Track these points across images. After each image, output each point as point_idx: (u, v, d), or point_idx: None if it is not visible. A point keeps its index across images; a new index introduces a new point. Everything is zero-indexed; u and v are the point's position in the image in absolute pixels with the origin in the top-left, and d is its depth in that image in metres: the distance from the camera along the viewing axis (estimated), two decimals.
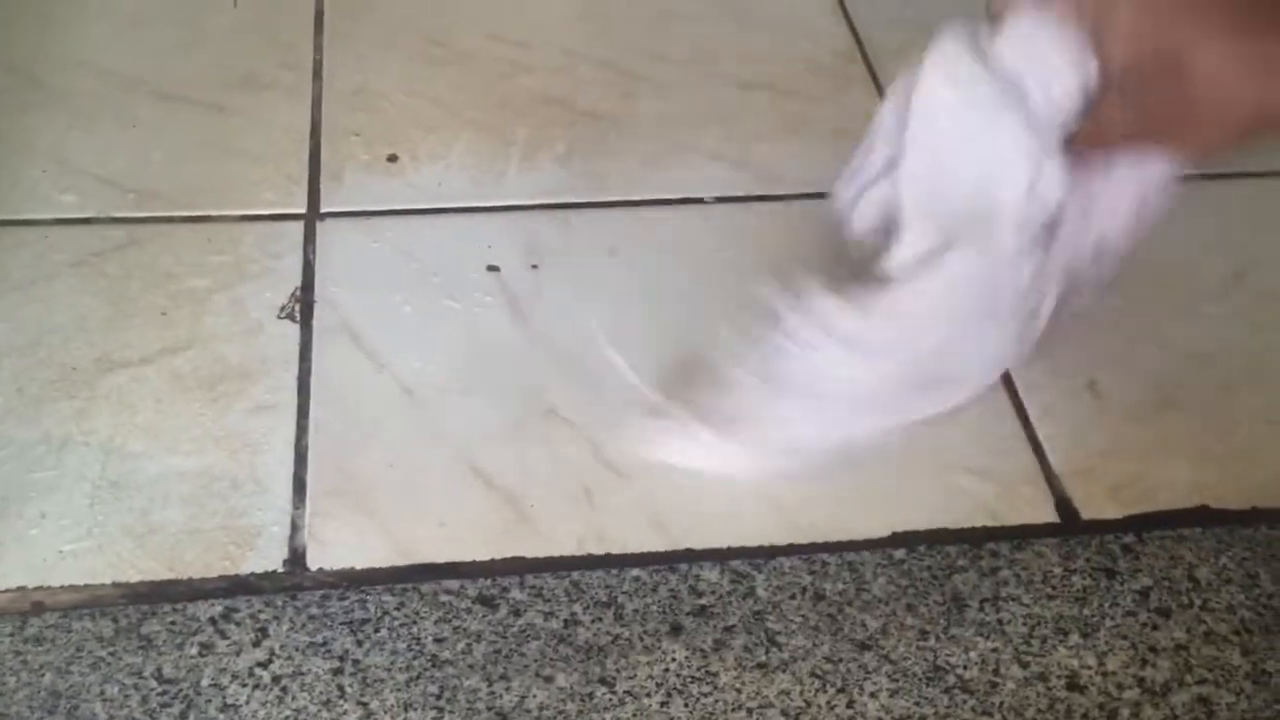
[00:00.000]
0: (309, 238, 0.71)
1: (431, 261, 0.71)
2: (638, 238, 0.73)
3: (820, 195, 0.76)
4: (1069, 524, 0.61)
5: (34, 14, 0.83)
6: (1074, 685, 0.55)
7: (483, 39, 0.85)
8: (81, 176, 0.73)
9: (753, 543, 0.59)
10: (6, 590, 0.55)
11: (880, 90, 0.84)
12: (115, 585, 0.55)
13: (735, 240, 0.73)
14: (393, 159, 0.76)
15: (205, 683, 0.52)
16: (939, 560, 0.59)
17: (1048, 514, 0.61)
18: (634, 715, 0.52)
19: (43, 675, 0.52)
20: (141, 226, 0.71)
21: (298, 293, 0.68)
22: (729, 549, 0.59)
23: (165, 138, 0.76)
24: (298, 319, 0.67)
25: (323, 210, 0.73)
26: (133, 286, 0.68)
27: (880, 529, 0.60)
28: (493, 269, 0.70)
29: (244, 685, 0.52)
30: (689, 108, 0.81)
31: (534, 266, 0.71)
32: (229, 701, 0.52)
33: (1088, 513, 0.61)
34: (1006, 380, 0.67)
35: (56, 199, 0.72)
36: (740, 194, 0.76)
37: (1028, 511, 0.61)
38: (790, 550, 0.59)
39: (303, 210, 0.73)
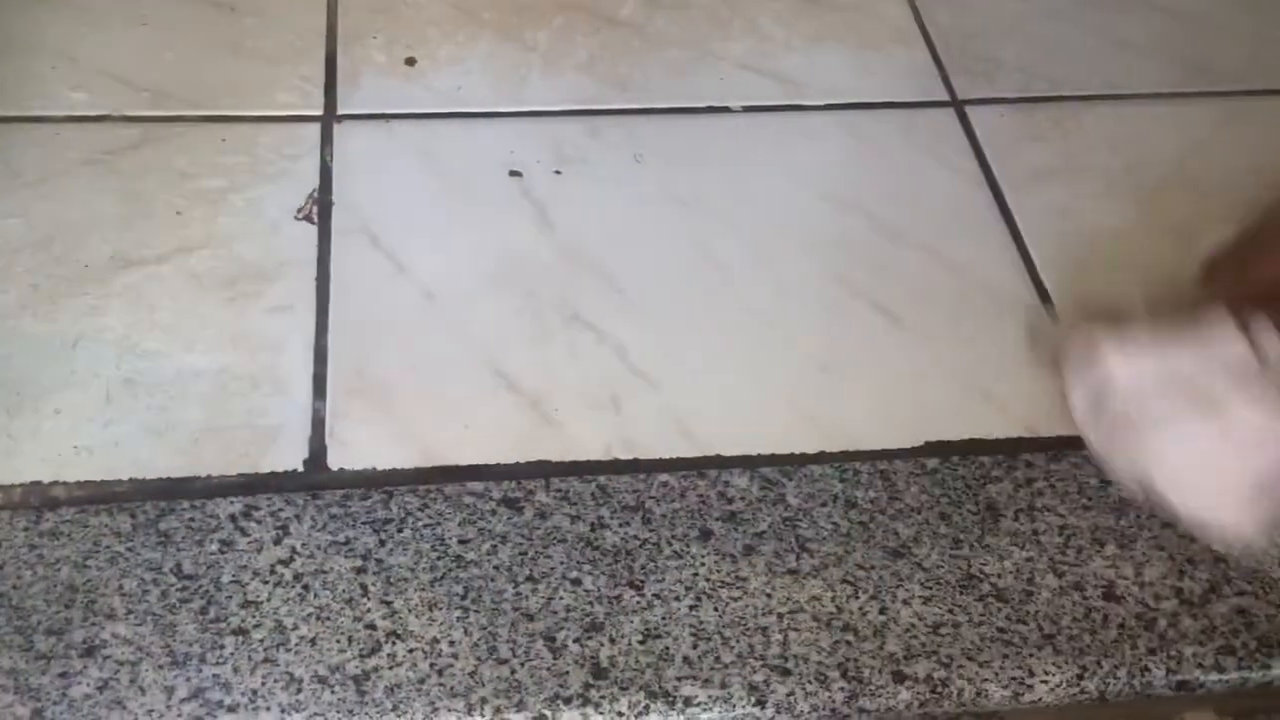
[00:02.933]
0: (326, 140, 0.69)
1: (452, 166, 0.69)
2: (664, 146, 0.71)
3: (847, 105, 0.75)
4: None
5: None
6: (1110, 595, 0.54)
7: None
8: (92, 74, 0.71)
9: (783, 450, 0.58)
10: (21, 484, 0.53)
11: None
12: (132, 481, 0.54)
13: (762, 148, 0.71)
14: (410, 62, 0.74)
15: (226, 579, 0.51)
16: (973, 470, 0.58)
17: None
18: (663, 618, 0.51)
19: (59, 569, 0.51)
20: (155, 125, 0.69)
21: (315, 194, 0.66)
22: (759, 456, 0.57)
23: (177, 36, 0.74)
24: (315, 221, 0.65)
25: (340, 112, 0.71)
26: (147, 185, 0.66)
27: (913, 439, 0.59)
28: (515, 174, 0.69)
29: (265, 582, 0.51)
30: (713, 14, 0.79)
31: (557, 172, 0.69)
32: (250, 598, 0.50)
33: None
34: (1044, 297, 0.65)
35: (67, 96, 0.70)
36: (768, 103, 0.74)
37: (1064, 424, 0.59)
38: (821, 458, 0.57)
39: (319, 112, 0.71)
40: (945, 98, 0.76)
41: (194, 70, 0.72)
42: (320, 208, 0.66)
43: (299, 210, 0.65)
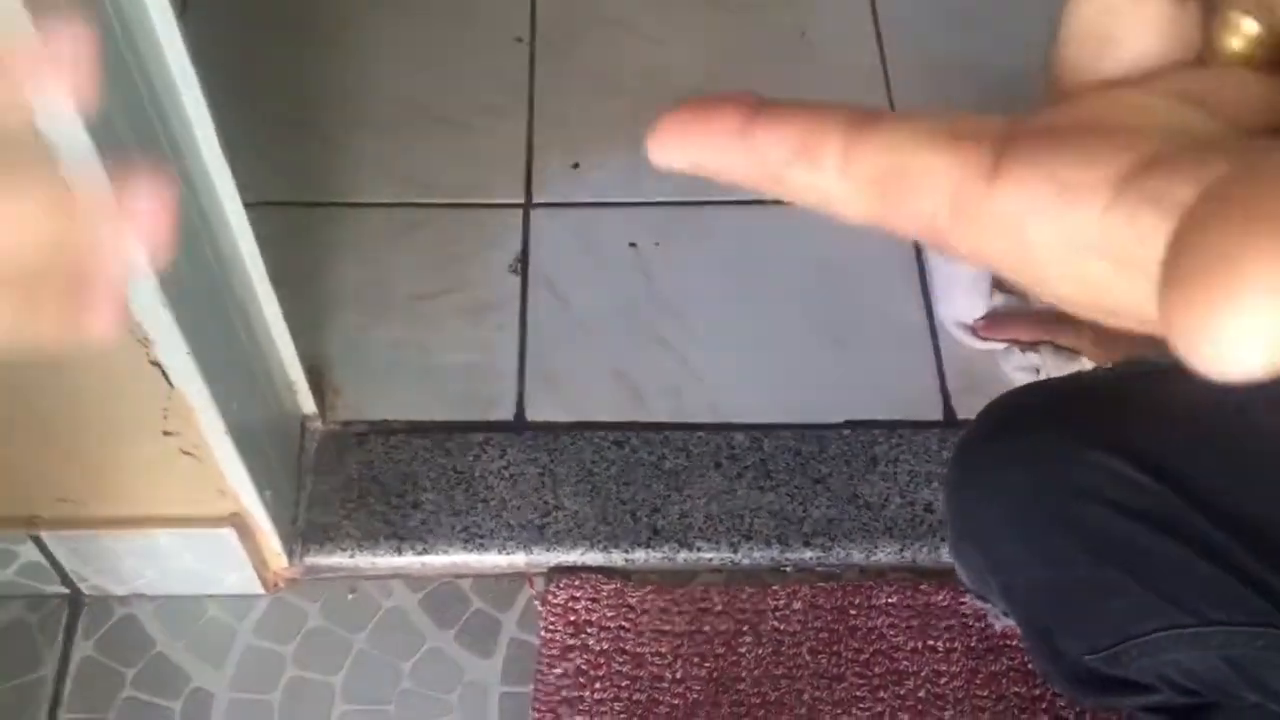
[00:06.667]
0: (525, 220, 1.19)
1: (597, 237, 1.18)
2: (722, 227, 1.19)
3: None
4: (949, 421, 1.07)
5: (353, 57, 1.31)
6: (929, 509, 1.02)
7: (638, 77, 1.30)
8: (393, 176, 1.22)
9: (765, 421, 1.07)
10: (379, 420, 1.07)
11: None
12: (431, 421, 1.07)
13: (780, 228, 1.19)
14: (575, 166, 1.23)
15: (476, 474, 1.04)
16: (869, 438, 1.06)
17: (938, 415, 1.07)
18: (690, 507, 1.02)
19: (399, 464, 1.04)
20: (429, 210, 1.20)
21: (519, 255, 1.17)
22: (751, 424, 1.07)
23: (435, 146, 1.24)
24: (519, 273, 1.16)
25: (534, 201, 1.21)
26: (426, 248, 1.17)
27: (838, 418, 1.07)
28: (633, 245, 1.18)
29: (496, 477, 1.03)
30: None
31: (657, 244, 1.18)
32: (489, 484, 1.03)
33: (961, 415, 1.07)
34: (935, 339, 1.12)
35: (380, 189, 1.21)
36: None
37: (927, 412, 1.07)
38: (785, 427, 1.07)
39: (522, 201, 1.21)
40: None
41: (449, 172, 1.22)
42: (522, 264, 1.16)
43: (510, 266, 1.16)
